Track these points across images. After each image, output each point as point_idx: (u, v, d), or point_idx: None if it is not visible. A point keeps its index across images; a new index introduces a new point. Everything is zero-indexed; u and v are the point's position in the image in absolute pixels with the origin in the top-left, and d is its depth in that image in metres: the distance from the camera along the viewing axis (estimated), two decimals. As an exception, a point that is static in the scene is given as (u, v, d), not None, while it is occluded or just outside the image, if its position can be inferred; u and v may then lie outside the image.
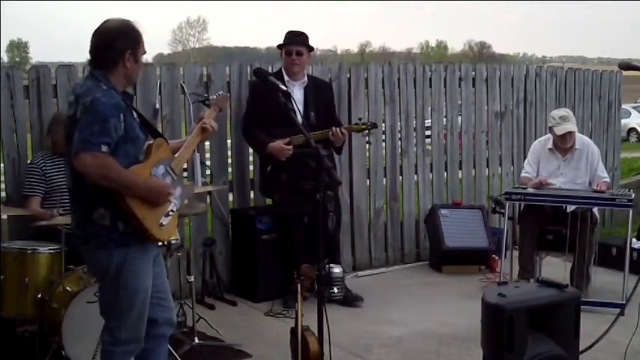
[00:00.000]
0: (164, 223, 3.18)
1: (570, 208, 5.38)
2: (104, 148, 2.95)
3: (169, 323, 3.42)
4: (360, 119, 5.57)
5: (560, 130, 5.52)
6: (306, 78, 5.42)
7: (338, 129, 5.18)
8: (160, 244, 3.45)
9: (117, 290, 3.12)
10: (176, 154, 3.32)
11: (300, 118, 5.14)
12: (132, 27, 3.16)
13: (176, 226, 3.51)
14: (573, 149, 5.62)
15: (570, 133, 5.53)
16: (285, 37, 5.41)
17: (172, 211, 3.23)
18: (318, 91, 5.44)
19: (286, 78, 5.28)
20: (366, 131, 5.66)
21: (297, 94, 5.32)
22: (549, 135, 5.72)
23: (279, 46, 5.43)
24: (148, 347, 3.31)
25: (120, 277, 3.10)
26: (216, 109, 3.62)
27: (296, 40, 5.35)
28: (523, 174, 5.83)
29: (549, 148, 5.67)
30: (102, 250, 3.09)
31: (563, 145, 5.60)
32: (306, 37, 5.41)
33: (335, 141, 5.23)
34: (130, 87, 3.34)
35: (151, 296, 3.24)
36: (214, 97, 3.72)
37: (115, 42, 3.09)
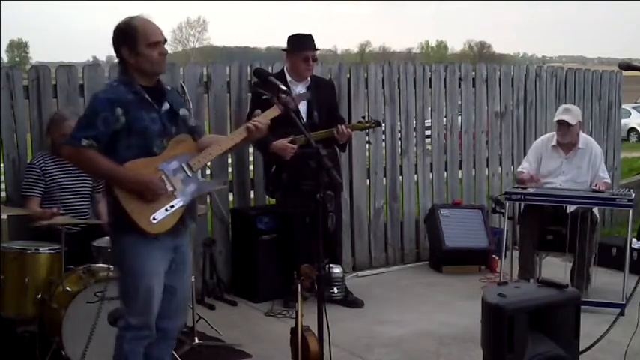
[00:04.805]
0: (158, 217, 3.16)
1: (570, 208, 5.38)
2: (84, 142, 3.07)
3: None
4: (363, 117, 5.58)
5: (557, 117, 5.61)
6: (308, 78, 5.41)
7: (343, 127, 5.18)
8: (174, 234, 3.27)
9: (123, 273, 3.27)
10: (203, 151, 3.31)
11: (303, 118, 5.19)
12: (124, 24, 3.23)
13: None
14: (576, 148, 5.63)
15: (569, 127, 5.53)
16: (297, 41, 5.34)
17: (172, 206, 3.19)
18: (321, 90, 5.42)
19: (289, 78, 5.27)
20: (371, 129, 5.68)
21: None
22: (553, 133, 5.76)
23: (290, 50, 5.34)
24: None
25: (124, 261, 3.24)
26: (280, 109, 3.36)
27: (311, 44, 5.33)
28: (518, 169, 5.92)
29: (553, 146, 5.68)
30: (112, 234, 3.30)
31: (561, 139, 5.60)
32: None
33: (340, 139, 5.24)
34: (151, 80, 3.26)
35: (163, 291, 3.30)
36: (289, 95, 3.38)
37: (114, 44, 3.24)
